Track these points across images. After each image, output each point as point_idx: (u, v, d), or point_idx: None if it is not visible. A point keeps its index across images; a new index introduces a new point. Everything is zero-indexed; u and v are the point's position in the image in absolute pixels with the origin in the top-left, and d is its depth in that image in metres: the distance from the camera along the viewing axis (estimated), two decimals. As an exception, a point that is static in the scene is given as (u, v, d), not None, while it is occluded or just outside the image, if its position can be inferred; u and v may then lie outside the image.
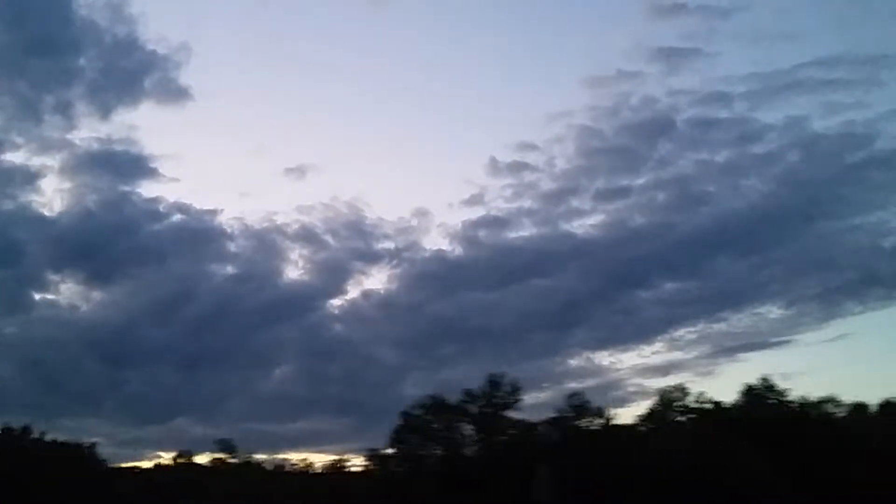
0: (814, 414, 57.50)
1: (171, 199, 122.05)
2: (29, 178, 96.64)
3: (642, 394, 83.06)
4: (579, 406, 60.12)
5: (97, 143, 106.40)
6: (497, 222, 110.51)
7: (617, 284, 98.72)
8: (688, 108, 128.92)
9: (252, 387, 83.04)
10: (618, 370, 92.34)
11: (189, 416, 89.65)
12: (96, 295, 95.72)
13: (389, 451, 61.66)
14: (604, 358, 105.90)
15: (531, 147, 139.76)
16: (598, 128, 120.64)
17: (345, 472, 72.95)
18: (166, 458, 76.95)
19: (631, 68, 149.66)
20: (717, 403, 59.76)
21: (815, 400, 58.48)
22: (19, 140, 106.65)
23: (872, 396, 64.54)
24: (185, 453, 74.70)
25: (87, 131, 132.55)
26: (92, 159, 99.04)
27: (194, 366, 71.32)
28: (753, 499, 47.59)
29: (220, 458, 71.47)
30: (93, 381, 57.81)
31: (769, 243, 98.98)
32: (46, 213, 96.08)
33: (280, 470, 75.87)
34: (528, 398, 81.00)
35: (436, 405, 60.27)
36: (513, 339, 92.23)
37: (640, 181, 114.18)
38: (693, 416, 59.59)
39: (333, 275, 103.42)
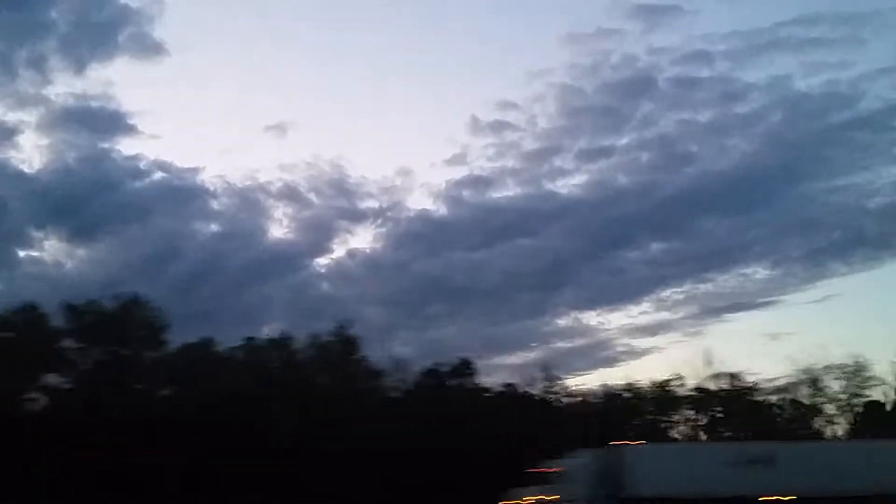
0: None
1: (152, 157, 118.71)
2: (6, 133, 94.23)
3: (630, 353, 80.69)
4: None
5: (73, 98, 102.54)
6: (480, 182, 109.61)
7: (602, 244, 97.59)
8: (669, 67, 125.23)
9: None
10: (606, 330, 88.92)
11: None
12: (80, 252, 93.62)
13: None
14: (591, 318, 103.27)
15: (512, 106, 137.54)
16: (579, 86, 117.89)
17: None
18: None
19: (610, 26, 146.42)
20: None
21: None
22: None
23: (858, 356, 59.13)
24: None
25: (63, 87, 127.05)
26: (69, 115, 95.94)
27: (180, 324, 69.74)
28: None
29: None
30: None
31: (754, 204, 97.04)
32: (26, 169, 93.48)
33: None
34: (517, 358, 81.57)
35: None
36: (499, 299, 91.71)
37: (623, 141, 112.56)
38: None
39: (318, 233, 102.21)
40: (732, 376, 57.72)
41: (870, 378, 56.85)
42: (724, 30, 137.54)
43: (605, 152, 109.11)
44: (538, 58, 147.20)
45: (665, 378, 59.29)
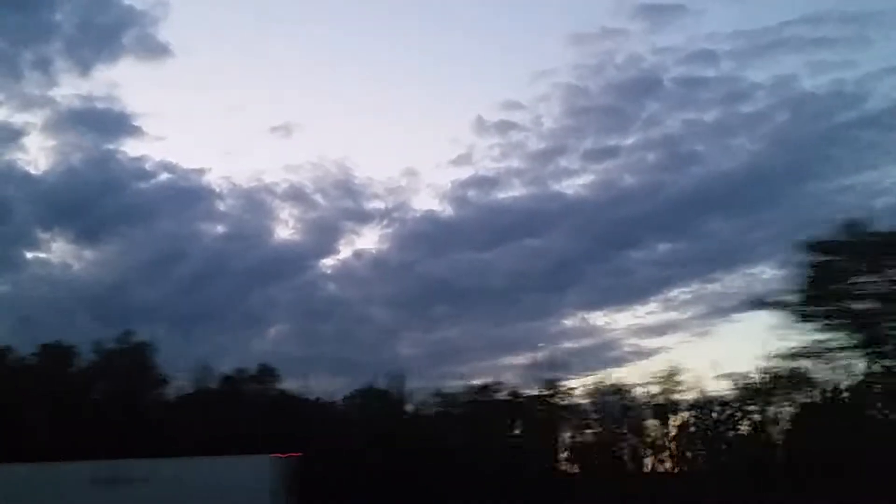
0: None
1: (157, 158, 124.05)
2: (12, 135, 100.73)
3: (638, 354, 78.63)
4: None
5: (78, 100, 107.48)
6: (486, 182, 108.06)
7: (609, 244, 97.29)
8: (674, 67, 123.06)
9: (246, 346, 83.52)
10: (613, 330, 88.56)
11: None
12: (87, 254, 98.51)
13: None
14: (598, 318, 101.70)
15: (517, 106, 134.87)
16: (584, 86, 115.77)
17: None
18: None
19: (615, 25, 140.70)
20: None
21: None
22: (0, 97, 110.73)
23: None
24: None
25: (68, 88, 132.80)
26: (74, 117, 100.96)
27: (187, 325, 72.82)
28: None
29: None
30: (85, 340, 59.95)
31: (759, 203, 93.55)
32: (32, 170, 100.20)
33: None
34: (523, 358, 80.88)
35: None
36: (506, 299, 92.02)
37: (629, 141, 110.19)
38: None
39: (324, 234, 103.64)
40: (549, 382, 51.21)
41: (680, 383, 50.10)
42: (728, 29, 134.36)
43: (610, 152, 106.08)
44: (543, 58, 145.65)
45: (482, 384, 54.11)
